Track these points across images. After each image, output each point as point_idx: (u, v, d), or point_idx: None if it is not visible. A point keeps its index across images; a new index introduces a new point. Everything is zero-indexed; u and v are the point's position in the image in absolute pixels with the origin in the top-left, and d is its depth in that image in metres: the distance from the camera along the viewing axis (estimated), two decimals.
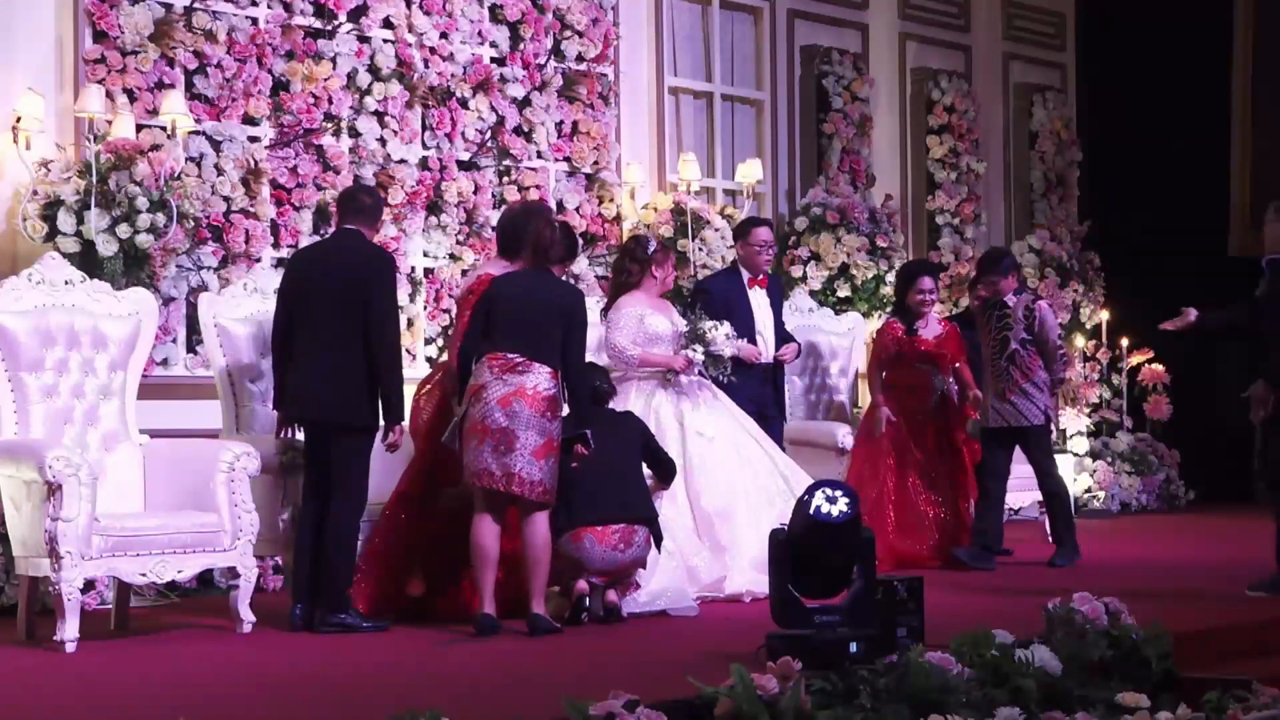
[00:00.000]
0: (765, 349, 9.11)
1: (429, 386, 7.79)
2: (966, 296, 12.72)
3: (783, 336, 9.30)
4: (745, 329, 8.95)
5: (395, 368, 7.28)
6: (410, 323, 9.71)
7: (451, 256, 10.01)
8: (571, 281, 10.17)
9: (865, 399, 10.44)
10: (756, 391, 8.93)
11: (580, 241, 7.85)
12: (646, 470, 7.73)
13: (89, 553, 6.75)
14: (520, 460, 7.04)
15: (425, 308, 9.88)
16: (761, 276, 9.25)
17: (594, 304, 8.97)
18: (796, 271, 11.57)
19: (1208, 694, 5.44)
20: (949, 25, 13.63)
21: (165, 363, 8.78)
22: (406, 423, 7.50)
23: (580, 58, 10.71)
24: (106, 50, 8.65)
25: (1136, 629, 5.94)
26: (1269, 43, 14.08)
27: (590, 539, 7.31)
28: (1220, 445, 14.46)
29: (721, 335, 8.36)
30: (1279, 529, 8.03)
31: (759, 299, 9.21)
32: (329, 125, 9.50)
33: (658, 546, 7.52)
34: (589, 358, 8.73)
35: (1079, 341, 13.80)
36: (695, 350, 8.30)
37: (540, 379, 7.11)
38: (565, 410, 7.29)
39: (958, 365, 9.71)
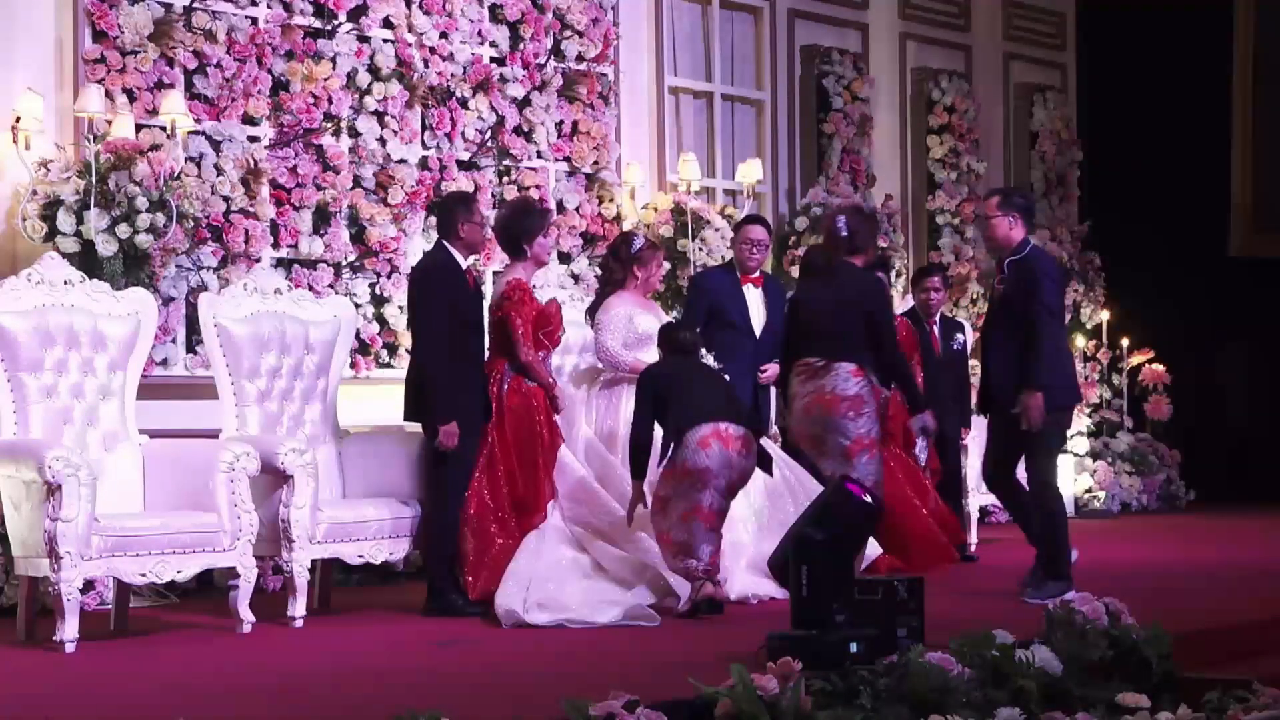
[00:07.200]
0: (755, 348, 9.02)
1: None
2: (964, 297, 12.75)
3: (773, 342, 9.04)
4: (741, 325, 8.91)
5: (424, 371, 7.69)
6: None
7: None
8: (572, 281, 10.24)
9: None
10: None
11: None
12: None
13: (88, 553, 6.74)
14: None
15: None
16: (757, 275, 9.15)
17: (585, 304, 8.98)
18: (796, 271, 11.56)
19: (1208, 694, 5.43)
20: (949, 25, 13.63)
21: (165, 363, 8.78)
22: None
23: (580, 58, 10.71)
24: (106, 50, 8.65)
25: (1136, 629, 5.93)
26: (1269, 42, 14.08)
27: (717, 444, 7.28)
28: (1220, 445, 14.49)
29: (709, 361, 8.29)
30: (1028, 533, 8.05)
31: (754, 296, 9.12)
32: (329, 125, 9.50)
33: (765, 469, 7.54)
34: (589, 358, 8.76)
35: (1079, 341, 13.81)
36: None
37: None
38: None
39: None
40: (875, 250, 8.00)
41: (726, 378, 7.96)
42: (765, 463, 7.51)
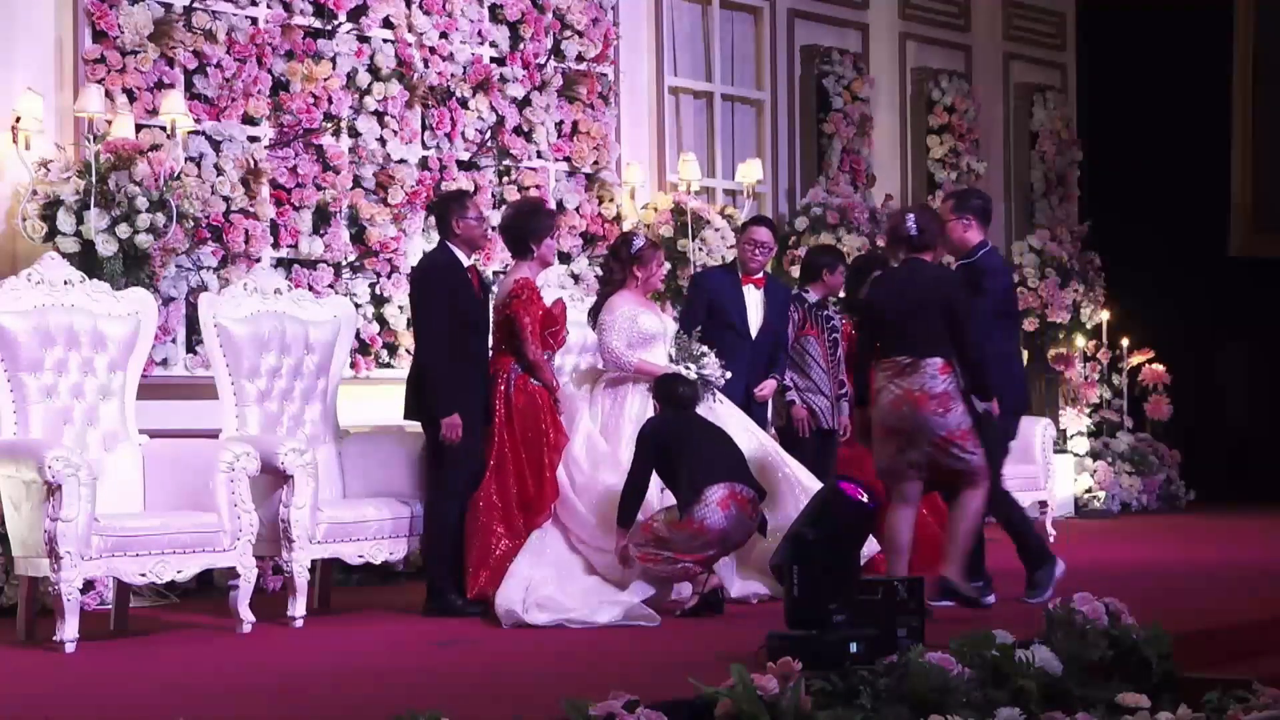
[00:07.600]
0: (748, 350, 8.97)
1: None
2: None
3: (771, 344, 9.01)
4: (738, 326, 8.88)
5: (425, 369, 7.72)
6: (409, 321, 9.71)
7: None
8: (572, 281, 10.23)
9: None
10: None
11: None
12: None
13: (88, 553, 6.74)
14: None
15: None
16: (759, 276, 9.13)
17: (586, 304, 8.97)
18: (796, 272, 11.56)
19: (1208, 694, 5.43)
20: (949, 25, 13.63)
21: (165, 363, 8.78)
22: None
23: (580, 58, 10.71)
24: (106, 50, 8.65)
25: (1136, 629, 5.93)
26: (1269, 42, 14.07)
27: (735, 506, 7.41)
28: (1220, 445, 14.49)
29: (713, 361, 8.28)
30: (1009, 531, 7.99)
31: (754, 297, 9.08)
32: (329, 125, 9.50)
33: (762, 532, 7.64)
34: (589, 358, 8.75)
35: (1079, 341, 13.81)
36: (689, 369, 8.24)
37: None
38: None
39: None
40: (943, 247, 8.09)
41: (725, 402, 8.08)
42: (762, 526, 7.65)
